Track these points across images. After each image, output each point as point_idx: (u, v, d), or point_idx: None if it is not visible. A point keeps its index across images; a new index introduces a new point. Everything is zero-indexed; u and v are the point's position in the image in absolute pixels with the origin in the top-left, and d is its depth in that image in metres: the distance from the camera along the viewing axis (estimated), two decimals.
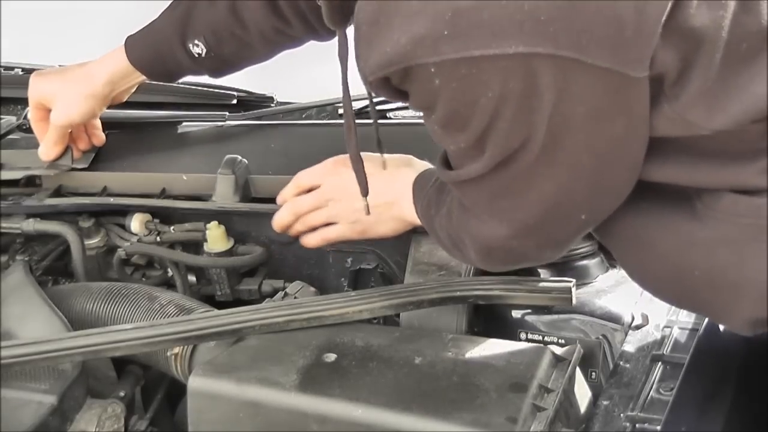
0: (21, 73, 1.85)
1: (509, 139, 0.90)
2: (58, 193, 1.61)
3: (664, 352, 1.17)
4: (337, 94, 1.70)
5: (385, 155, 1.30)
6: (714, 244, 0.93)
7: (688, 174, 0.93)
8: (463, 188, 1.01)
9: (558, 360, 1.13)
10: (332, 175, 1.37)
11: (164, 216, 1.60)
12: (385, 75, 0.89)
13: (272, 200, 1.48)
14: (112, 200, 1.59)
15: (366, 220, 1.34)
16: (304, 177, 1.41)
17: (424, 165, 1.32)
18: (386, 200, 1.31)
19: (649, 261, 1.03)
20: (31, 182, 1.65)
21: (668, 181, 0.95)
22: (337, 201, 1.37)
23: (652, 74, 0.84)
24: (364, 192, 1.18)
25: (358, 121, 1.10)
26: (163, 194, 1.58)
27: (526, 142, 0.89)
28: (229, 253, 1.52)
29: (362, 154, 1.36)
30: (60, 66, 1.63)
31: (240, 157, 1.55)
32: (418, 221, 1.28)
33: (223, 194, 1.53)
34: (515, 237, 1.01)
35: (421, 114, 0.95)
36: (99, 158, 1.66)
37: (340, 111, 1.70)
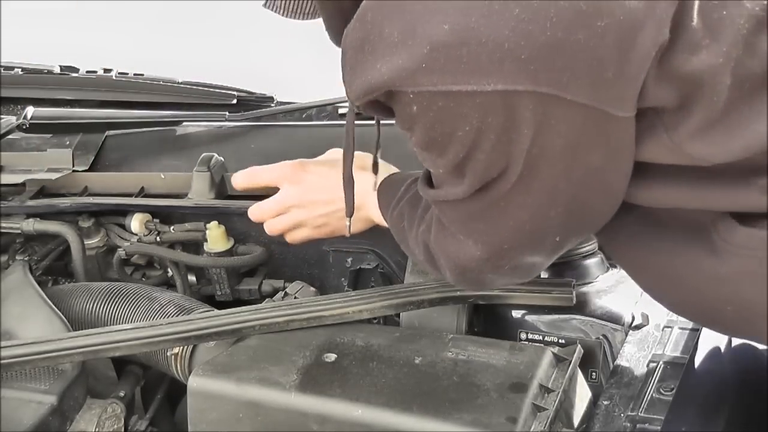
0: (21, 73, 1.85)
1: (487, 169, 0.90)
2: (41, 193, 1.61)
3: (665, 352, 1.17)
4: (336, 94, 1.71)
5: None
6: (738, 279, 0.92)
7: (690, 197, 0.92)
8: (442, 207, 1.02)
9: (558, 360, 1.13)
10: (292, 182, 1.36)
11: (165, 215, 1.60)
12: (369, 100, 0.90)
13: (249, 197, 1.48)
14: (114, 200, 1.59)
15: (334, 223, 1.35)
16: (260, 174, 1.39)
17: (387, 168, 1.30)
18: (364, 218, 1.31)
19: (679, 295, 1.03)
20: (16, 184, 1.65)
21: (672, 206, 0.94)
22: (299, 208, 1.36)
23: (647, 106, 0.84)
24: (349, 212, 1.18)
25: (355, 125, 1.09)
26: (142, 193, 1.59)
27: (504, 172, 0.90)
28: (229, 253, 1.52)
29: (329, 154, 1.36)
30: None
31: (216, 155, 1.57)
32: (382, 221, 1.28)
33: (199, 191, 1.54)
34: (489, 260, 1.00)
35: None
36: (99, 159, 1.66)
37: (341, 111, 1.70)
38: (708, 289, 0.96)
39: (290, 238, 1.40)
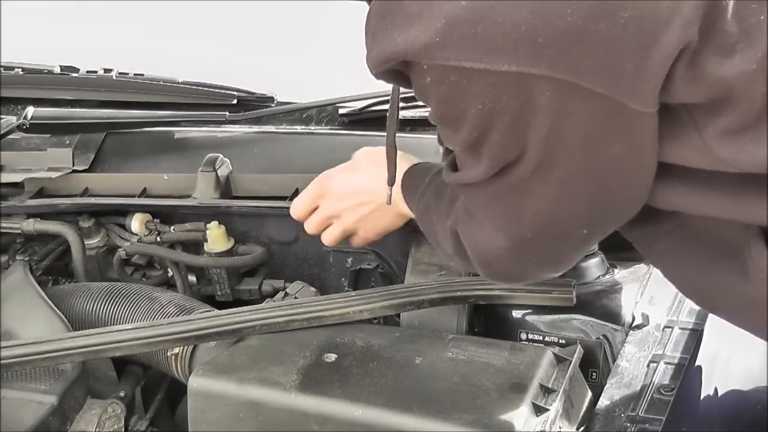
0: (21, 73, 1.85)
1: (503, 151, 0.89)
2: (40, 195, 1.61)
3: (665, 353, 1.17)
4: (336, 94, 1.71)
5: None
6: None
7: (719, 206, 0.90)
8: (466, 191, 1.01)
9: (558, 360, 1.13)
10: (322, 197, 1.37)
11: (165, 215, 1.60)
12: (386, 69, 0.90)
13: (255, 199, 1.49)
14: (116, 200, 1.59)
15: (371, 222, 1.35)
16: (299, 206, 1.39)
17: (407, 158, 1.30)
18: (372, 196, 1.31)
19: (714, 309, 1.04)
20: (16, 184, 1.64)
21: (703, 214, 0.93)
22: (336, 218, 1.37)
23: (678, 102, 0.83)
24: (391, 181, 1.19)
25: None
26: (144, 194, 1.59)
27: (521, 156, 0.89)
28: (229, 253, 1.52)
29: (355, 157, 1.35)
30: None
31: (221, 156, 1.56)
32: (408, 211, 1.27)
33: (204, 191, 1.54)
34: (513, 249, 1.00)
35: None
36: (99, 159, 1.66)
37: (341, 111, 1.70)
38: (740, 309, 0.96)
39: (353, 242, 1.40)
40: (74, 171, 1.63)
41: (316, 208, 1.38)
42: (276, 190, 1.53)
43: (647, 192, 0.93)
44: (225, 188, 1.55)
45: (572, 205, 0.93)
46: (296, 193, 1.50)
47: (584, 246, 1.03)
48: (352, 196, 1.34)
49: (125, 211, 1.60)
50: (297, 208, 1.39)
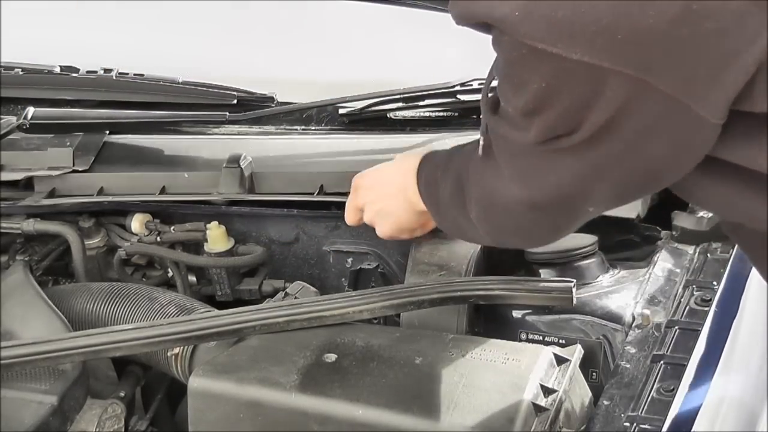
0: (21, 73, 1.85)
1: (554, 127, 0.89)
2: (52, 195, 1.61)
3: (665, 352, 1.17)
4: (337, 94, 1.71)
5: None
6: None
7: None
8: (498, 139, 1.01)
9: (558, 360, 1.13)
10: (357, 192, 1.37)
11: (166, 215, 1.60)
12: (465, 24, 0.90)
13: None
14: (119, 199, 1.58)
15: (393, 212, 1.33)
16: (350, 211, 1.39)
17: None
18: (396, 187, 1.30)
19: None
20: (26, 185, 1.64)
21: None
22: (368, 205, 1.36)
23: (758, 112, 0.83)
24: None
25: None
26: (163, 192, 1.58)
27: (568, 134, 0.89)
28: (229, 253, 1.52)
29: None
30: None
31: (245, 153, 1.56)
32: (421, 204, 1.26)
33: (229, 187, 1.54)
34: (520, 202, 1.00)
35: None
36: (99, 159, 1.66)
37: (341, 111, 1.70)
38: None
39: (378, 231, 1.38)
40: (74, 171, 1.63)
41: None
42: (300, 187, 1.53)
43: (663, 187, 0.94)
44: (249, 185, 1.55)
45: (593, 186, 0.94)
46: (321, 189, 1.50)
47: (582, 221, 1.04)
48: (376, 187, 1.34)
49: (125, 211, 1.60)
50: (349, 220, 1.40)
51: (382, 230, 1.36)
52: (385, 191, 1.32)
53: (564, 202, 0.98)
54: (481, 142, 1.06)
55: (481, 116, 1.05)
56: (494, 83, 0.97)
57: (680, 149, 0.88)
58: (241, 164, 1.54)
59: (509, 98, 0.93)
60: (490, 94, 1.00)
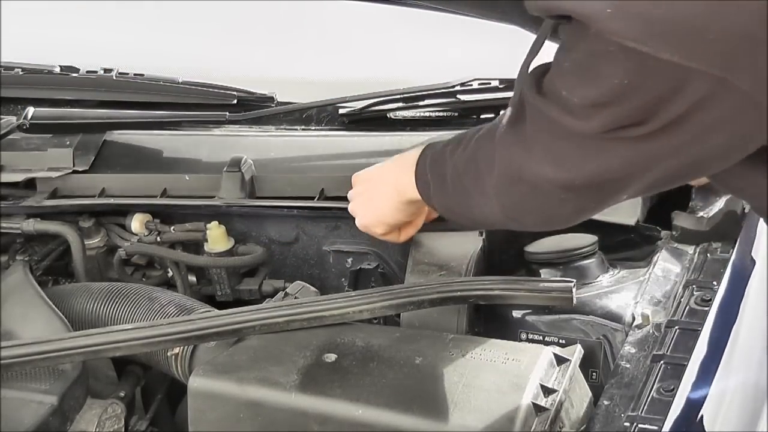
0: (21, 73, 1.85)
1: (622, 119, 0.88)
2: (54, 195, 1.61)
3: (665, 352, 1.17)
4: (336, 94, 1.72)
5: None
6: None
7: None
8: (544, 118, 0.96)
9: (558, 360, 1.13)
10: (356, 188, 1.38)
11: (166, 215, 1.60)
12: (540, 14, 0.89)
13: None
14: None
15: (377, 201, 1.33)
16: (354, 208, 1.39)
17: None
18: (387, 178, 1.31)
19: None
20: (28, 185, 1.65)
21: None
22: (358, 197, 1.37)
23: None
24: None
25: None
26: (165, 194, 1.58)
27: (634, 125, 0.88)
28: (229, 253, 1.52)
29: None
30: None
31: (246, 157, 1.56)
32: (414, 195, 1.25)
33: (230, 191, 1.54)
34: (553, 182, 0.97)
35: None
36: (99, 160, 1.66)
37: (341, 111, 1.70)
38: None
39: (357, 221, 1.39)
40: (74, 172, 1.63)
41: None
42: (301, 190, 1.53)
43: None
44: (250, 189, 1.55)
45: (639, 175, 0.92)
46: (322, 193, 1.50)
47: (612, 204, 1.02)
48: (369, 180, 1.35)
49: (125, 211, 1.60)
50: (353, 212, 1.40)
51: (360, 219, 1.36)
52: (375, 182, 1.33)
53: (602, 186, 0.95)
54: (508, 113, 1.02)
55: (513, 90, 1.01)
56: (537, 62, 0.94)
57: (738, 141, 0.88)
58: (241, 168, 1.54)
59: (574, 87, 0.90)
60: (532, 70, 0.97)
